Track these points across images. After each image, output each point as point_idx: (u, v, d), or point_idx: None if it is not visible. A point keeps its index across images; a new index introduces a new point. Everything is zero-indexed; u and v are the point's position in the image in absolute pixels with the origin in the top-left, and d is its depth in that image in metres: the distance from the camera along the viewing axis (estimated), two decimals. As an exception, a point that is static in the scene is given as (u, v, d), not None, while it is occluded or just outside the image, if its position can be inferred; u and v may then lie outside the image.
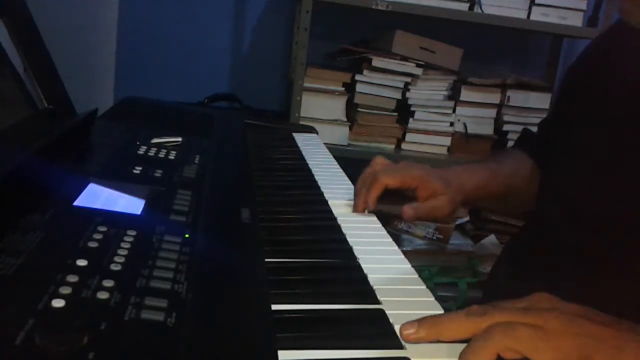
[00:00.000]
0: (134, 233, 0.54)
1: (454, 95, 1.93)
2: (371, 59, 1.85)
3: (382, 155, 0.85)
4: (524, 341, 0.43)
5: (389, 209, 0.78)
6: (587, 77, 0.79)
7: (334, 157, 1.07)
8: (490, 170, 0.90)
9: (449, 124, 1.93)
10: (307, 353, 0.45)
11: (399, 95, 1.89)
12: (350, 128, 1.89)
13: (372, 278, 0.58)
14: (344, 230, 0.71)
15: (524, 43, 2.25)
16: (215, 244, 0.59)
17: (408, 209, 0.77)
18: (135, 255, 0.50)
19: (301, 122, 1.76)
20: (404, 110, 1.92)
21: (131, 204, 0.62)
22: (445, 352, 0.46)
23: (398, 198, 0.80)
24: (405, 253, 0.66)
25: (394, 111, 1.91)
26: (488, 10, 1.85)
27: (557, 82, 2.10)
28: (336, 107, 1.88)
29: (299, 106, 1.83)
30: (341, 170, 0.98)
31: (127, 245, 0.51)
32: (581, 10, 1.89)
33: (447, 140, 1.93)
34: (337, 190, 0.85)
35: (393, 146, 1.92)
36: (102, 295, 0.43)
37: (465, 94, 1.92)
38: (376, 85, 1.87)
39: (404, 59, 1.87)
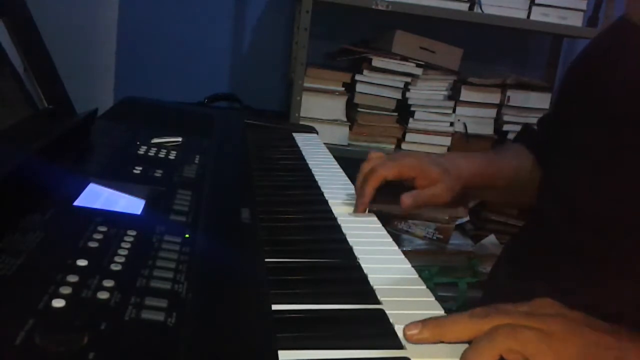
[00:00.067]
0: (134, 233, 0.54)
1: (454, 95, 1.93)
2: (371, 59, 1.85)
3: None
4: (528, 344, 0.43)
5: (389, 209, 0.78)
6: (587, 77, 0.79)
7: (334, 157, 1.07)
8: (489, 159, 0.89)
9: (449, 124, 1.93)
10: (307, 353, 0.45)
11: (399, 95, 1.89)
12: (350, 128, 1.89)
13: (372, 278, 0.58)
14: (344, 230, 0.71)
15: (524, 43, 2.25)
16: (215, 244, 0.59)
17: (406, 198, 0.76)
18: (135, 255, 0.50)
19: (301, 122, 1.76)
20: (404, 110, 1.92)
21: (131, 204, 0.62)
22: (445, 352, 0.46)
23: (398, 197, 0.79)
24: (405, 253, 0.66)
25: (394, 111, 1.91)
26: (488, 10, 1.85)
27: (557, 82, 2.10)
28: (336, 107, 1.88)
29: (299, 106, 1.83)
30: (341, 170, 0.98)
31: (127, 245, 0.51)
32: (581, 10, 1.89)
33: (447, 140, 1.93)
34: (337, 190, 0.85)
35: (393, 146, 1.92)
36: (102, 295, 0.43)
37: (465, 94, 1.92)
38: (376, 85, 1.87)
39: (404, 59, 1.87)
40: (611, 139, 0.70)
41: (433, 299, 0.56)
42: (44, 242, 0.49)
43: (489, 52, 2.17)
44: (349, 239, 0.68)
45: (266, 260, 0.59)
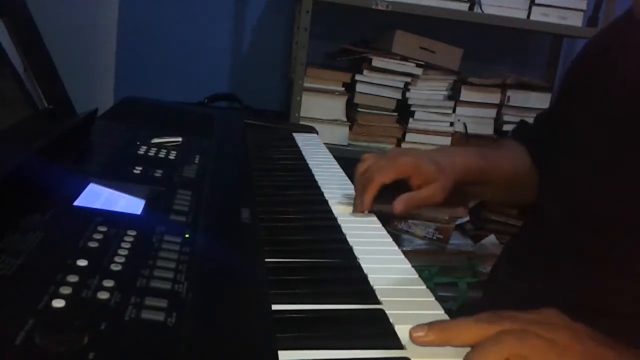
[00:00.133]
0: (134, 233, 0.54)
1: (454, 95, 1.93)
2: (371, 59, 1.85)
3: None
4: (535, 350, 0.43)
5: (389, 209, 0.78)
6: (587, 77, 0.79)
7: (334, 157, 1.07)
8: (485, 154, 0.88)
9: (449, 124, 1.93)
10: (307, 353, 0.45)
11: (399, 95, 1.89)
12: (350, 128, 1.89)
13: (372, 278, 0.58)
14: (344, 230, 0.71)
15: (524, 43, 2.25)
16: (215, 244, 0.59)
17: (398, 204, 0.76)
18: (135, 255, 0.50)
19: (301, 122, 1.76)
20: (404, 110, 1.92)
21: (131, 204, 0.62)
22: (445, 353, 0.46)
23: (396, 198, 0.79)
24: (405, 253, 0.66)
25: (394, 111, 1.91)
26: (488, 10, 1.85)
27: (557, 82, 2.10)
28: (336, 107, 1.88)
29: (299, 106, 1.83)
30: (341, 170, 0.98)
31: (127, 245, 0.51)
32: (581, 10, 1.89)
33: (447, 141, 1.93)
34: (337, 190, 0.85)
35: (393, 146, 1.92)
36: (102, 295, 0.43)
37: (465, 94, 1.92)
38: (376, 85, 1.87)
39: (404, 59, 1.87)
40: (611, 139, 0.70)
41: (433, 299, 0.56)
42: (44, 242, 0.49)
43: (489, 52, 2.17)
44: (349, 239, 0.68)
45: (266, 260, 0.59)
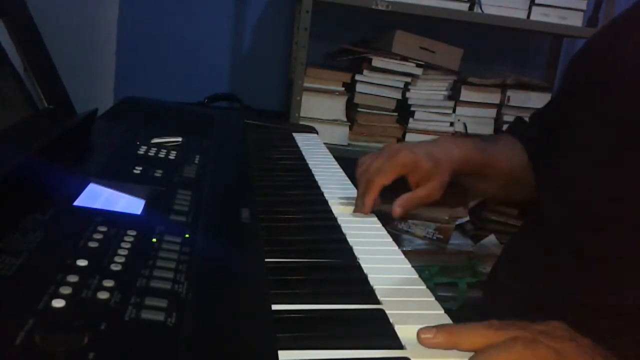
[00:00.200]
0: (134, 233, 0.54)
1: (454, 95, 1.93)
2: (371, 59, 1.85)
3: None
4: (542, 359, 0.43)
5: (389, 208, 0.78)
6: (587, 77, 0.78)
7: (334, 157, 1.07)
8: (482, 146, 0.88)
9: (449, 124, 1.93)
10: (307, 353, 0.45)
11: (399, 95, 1.89)
12: (350, 128, 1.89)
13: (372, 278, 0.58)
14: (344, 230, 0.71)
15: (524, 43, 2.25)
16: (215, 244, 0.59)
17: (396, 208, 0.77)
18: (135, 255, 0.50)
19: (301, 122, 1.76)
20: (404, 110, 1.92)
21: (131, 204, 0.62)
22: (445, 353, 0.46)
23: (397, 197, 0.79)
24: (405, 253, 0.66)
25: (394, 111, 1.91)
26: (488, 10, 1.85)
27: (557, 82, 2.10)
28: (336, 107, 1.88)
29: (299, 106, 1.83)
30: (341, 170, 0.98)
31: (127, 245, 0.51)
32: (581, 10, 1.89)
33: (447, 140, 1.92)
34: (337, 190, 0.85)
35: (393, 146, 1.92)
36: (102, 295, 0.43)
37: (465, 94, 1.92)
38: (376, 85, 1.87)
39: (404, 59, 1.87)
40: (611, 139, 0.70)
41: (433, 299, 0.56)
42: (44, 242, 0.49)
43: (489, 52, 2.17)
44: (349, 239, 0.68)
45: (266, 260, 0.59)
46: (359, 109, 1.89)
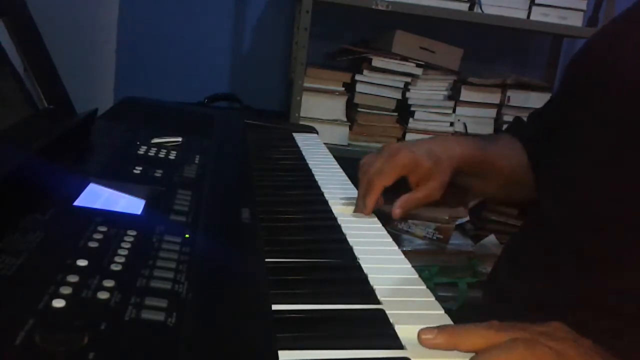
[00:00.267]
0: (134, 233, 0.54)
1: (454, 95, 1.93)
2: (371, 59, 1.85)
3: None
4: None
5: (389, 208, 0.78)
6: (587, 77, 0.78)
7: (334, 157, 1.07)
8: (482, 146, 0.88)
9: (449, 124, 1.93)
10: (307, 353, 0.45)
11: (399, 95, 1.89)
12: (350, 128, 1.89)
13: (372, 278, 0.58)
14: (344, 230, 0.71)
15: (524, 43, 2.25)
16: (215, 244, 0.59)
17: (395, 210, 0.77)
18: (135, 255, 0.50)
19: (301, 122, 1.76)
20: (404, 110, 1.92)
21: (131, 204, 0.62)
22: (445, 354, 0.46)
23: (397, 197, 0.79)
24: (405, 253, 0.66)
25: (394, 111, 1.91)
26: (488, 10, 1.85)
27: (557, 82, 2.10)
28: (336, 107, 1.88)
29: (299, 106, 1.83)
30: (341, 170, 0.98)
31: (127, 245, 0.51)
32: (581, 10, 1.89)
33: (447, 140, 1.92)
34: (337, 190, 0.85)
35: (393, 146, 1.92)
36: (102, 295, 0.43)
37: (465, 94, 1.92)
38: (376, 85, 1.87)
39: (404, 59, 1.87)
40: (611, 139, 0.70)
41: (433, 299, 0.56)
42: (44, 242, 0.49)
43: (489, 52, 2.17)
44: (349, 239, 0.68)
45: (266, 260, 0.59)
46: (359, 109, 1.89)
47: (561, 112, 0.84)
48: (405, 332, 0.48)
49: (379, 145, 1.88)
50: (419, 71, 1.88)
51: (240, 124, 1.20)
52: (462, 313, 1.11)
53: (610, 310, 0.65)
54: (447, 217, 1.88)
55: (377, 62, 1.85)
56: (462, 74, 1.94)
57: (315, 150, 1.10)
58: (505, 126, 1.94)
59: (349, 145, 1.89)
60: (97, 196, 0.62)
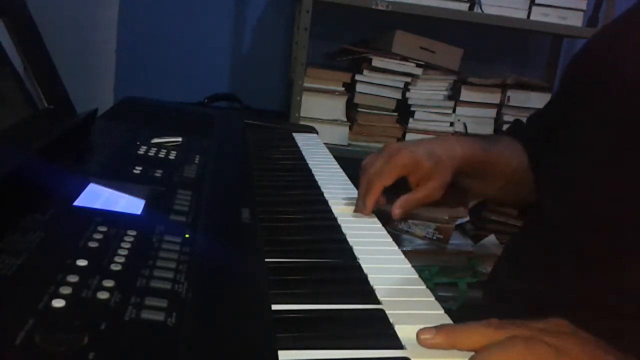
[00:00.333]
0: (134, 233, 0.54)
1: (454, 95, 1.93)
2: (371, 59, 1.85)
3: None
4: (541, 357, 0.43)
5: (389, 208, 0.78)
6: (587, 77, 0.78)
7: (334, 157, 1.07)
8: (483, 146, 0.87)
9: (449, 124, 1.93)
10: (307, 353, 0.45)
11: (399, 95, 1.89)
12: (350, 128, 1.89)
13: (372, 278, 0.58)
14: (344, 230, 0.71)
15: (524, 43, 2.25)
16: (215, 244, 0.59)
17: (396, 209, 0.77)
18: (135, 255, 0.50)
19: (301, 122, 1.76)
20: (404, 110, 1.92)
21: (131, 204, 0.62)
22: (445, 353, 0.46)
23: (397, 197, 0.79)
24: (405, 253, 0.66)
25: (394, 111, 1.91)
26: (488, 10, 1.85)
27: (557, 83, 2.10)
28: (336, 107, 1.88)
29: (299, 106, 1.83)
30: (341, 170, 0.98)
31: (127, 245, 0.51)
32: (581, 10, 1.89)
33: (447, 140, 1.92)
34: (337, 190, 0.85)
35: (393, 146, 1.92)
36: (102, 295, 0.43)
37: (465, 94, 1.92)
38: (376, 85, 1.87)
39: (404, 59, 1.87)
40: (611, 139, 0.70)
41: (433, 299, 0.56)
42: (44, 242, 0.49)
43: (489, 52, 2.17)
44: (349, 239, 0.68)
45: (266, 260, 0.59)
46: (359, 109, 1.89)
47: (561, 112, 0.84)
48: (405, 332, 0.48)
49: (379, 145, 1.89)
50: (419, 71, 1.88)
51: (240, 124, 1.20)
52: (462, 313, 1.11)
53: (610, 310, 0.65)
54: (447, 217, 1.88)
55: (377, 62, 1.85)
56: (462, 74, 1.94)
57: (315, 150, 1.10)
58: (505, 126, 1.94)
59: (349, 145, 1.89)
60: (97, 196, 0.62)
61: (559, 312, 0.50)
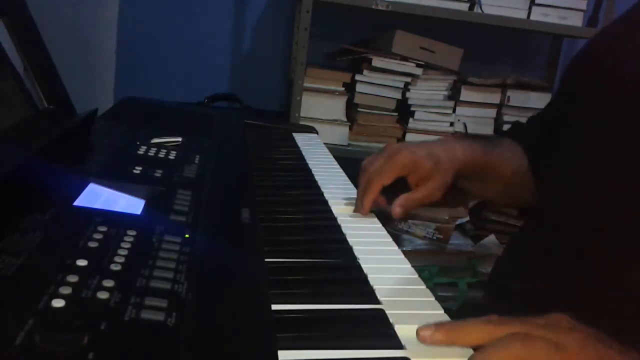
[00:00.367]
0: (134, 233, 0.54)
1: (454, 95, 1.94)
2: (371, 59, 1.85)
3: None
4: (541, 354, 0.43)
5: (389, 208, 0.78)
6: (587, 77, 0.79)
7: (334, 157, 1.07)
8: (484, 149, 0.87)
9: (449, 124, 1.93)
10: (307, 353, 0.45)
11: (399, 95, 1.89)
12: (350, 128, 1.89)
13: (372, 278, 0.58)
14: (344, 230, 0.71)
15: (524, 43, 2.25)
16: (215, 244, 0.59)
17: (395, 208, 0.76)
18: (135, 255, 0.50)
19: (301, 122, 1.76)
20: (404, 110, 1.92)
21: (131, 204, 0.62)
22: (445, 353, 0.46)
23: (397, 197, 0.79)
24: (405, 253, 0.66)
25: (394, 111, 1.91)
26: (488, 10, 1.85)
27: (557, 83, 2.10)
28: (336, 107, 1.88)
29: (299, 106, 1.83)
30: (341, 170, 0.98)
31: (127, 245, 0.51)
32: (581, 10, 1.89)
33: (447, 140, 1.92)
34: (337, 190, 0.85)
35: (393, 146, 1.92)
36: (102, 295, 0.43)
37: (465, 94, 1.92)
38: (376, 85, 1.87)
39: (404, 59, 1.87)
40: (611, 139, 0.70)
41: (433, 299, 0.56)
42: (44, 242, 0.49)
43: (489, 52, 2.17)
44: (349, 239, 0.68)
45: (266, 260, 0.59)
46: (359, 109, 1.89)
47: (561, 113, 0.84)
48: (405, 331, 0.48)
49: (379, 145, 1.89)
50: (419, 71, 1.88)
51: (240, 124, 1.20)
52: (462, 313, 1.11)
53: (610, 310, 0.65)
54: (447, 217, 1.88)
55: (377, 62, 1.85)
56: (462, 74, 1.94)
57: (315, 150, 1.10)
58: (505, 126, 1.94)
59: (349, 145, 1.89)
60: (97, 196, 0.62)
61: (559, 311, 0.50)
